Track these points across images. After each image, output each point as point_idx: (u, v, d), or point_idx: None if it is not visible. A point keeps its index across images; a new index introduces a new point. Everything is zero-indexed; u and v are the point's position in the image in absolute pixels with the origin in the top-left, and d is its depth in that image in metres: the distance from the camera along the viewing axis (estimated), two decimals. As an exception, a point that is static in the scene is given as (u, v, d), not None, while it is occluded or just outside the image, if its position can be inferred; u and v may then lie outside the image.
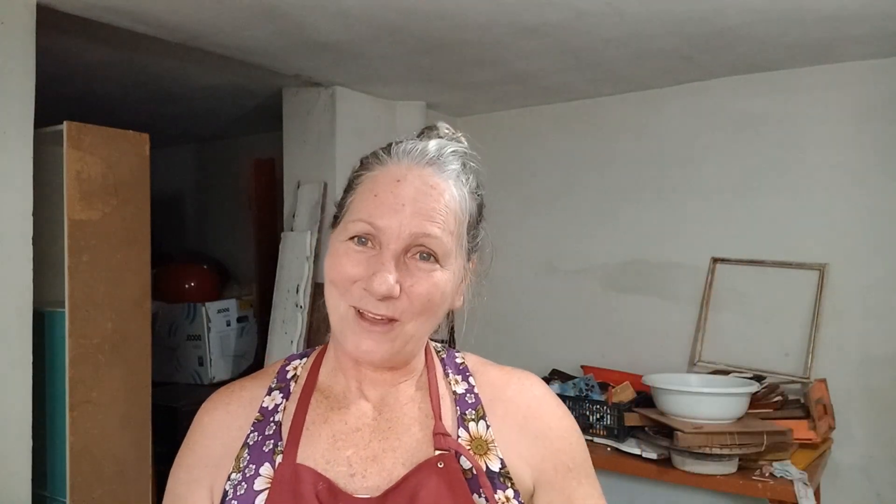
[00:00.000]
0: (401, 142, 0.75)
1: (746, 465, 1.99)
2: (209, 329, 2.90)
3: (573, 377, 2.63)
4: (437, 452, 0.71)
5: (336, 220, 0.77)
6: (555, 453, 0.77)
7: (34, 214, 1.83)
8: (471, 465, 0.71)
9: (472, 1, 1.86)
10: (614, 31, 2.07)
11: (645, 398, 2.28)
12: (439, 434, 0.72)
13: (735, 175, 2.58)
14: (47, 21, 1.86)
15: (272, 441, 0.72)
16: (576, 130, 2.95)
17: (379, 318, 0.69)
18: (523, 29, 2.07)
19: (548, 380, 2.67)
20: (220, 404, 0.78)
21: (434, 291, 0.70)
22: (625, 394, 2.30)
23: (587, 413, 2.28)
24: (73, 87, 2.80)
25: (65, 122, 1.93)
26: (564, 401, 2.36)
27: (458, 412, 0.76)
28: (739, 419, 2.04)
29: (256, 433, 0.74)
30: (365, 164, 0.76)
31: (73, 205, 1.97)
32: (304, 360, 0.81)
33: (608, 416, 2.24)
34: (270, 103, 2.97)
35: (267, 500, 0.67)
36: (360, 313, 0.70)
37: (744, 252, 2.55)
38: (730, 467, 1.97)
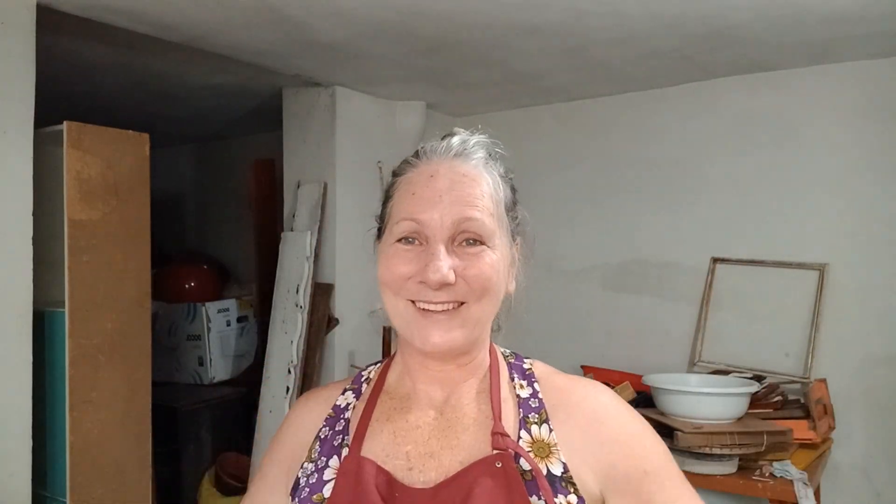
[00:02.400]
0: (426, 145, 0.80)
1: (746, 465, 1.99)
2: (209, 329, 2.90)
3: (573, 377, 2.63)
4: (495, 452, 0.71)
5: (380, 231, 0.81)
6: (626, 458, 0.74)
7: (34, 214, 1.83)
8: (530, 468, 0.70)
9: (472, 1, 1.86)
10: (614, 31, 2.07)
11: (645, 398, 2.28)
12: (497, 434, 0.73)
13: (735, 175, 2.58)
14: (47, 21, 1.86)
15: (341, 436, 0.78)
16: (576, 130, 2.95)
17: (440, 308, 0.72)
18: (523, 29, 2.07)
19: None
20: (306, 402, 0.85)
21: (489, 270, 0.73)
22: (625, 394, 2.30)
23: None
24: (73, 87, 2.80)
25: (65, 122, 1.93)
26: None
27: (521, 415, 0.76)
28: (739, 419, 2.04)
29: (327, 427, 0.80)
30: (397, 172, 0.80)
31: (73, 205, 1.97)
32: (379, 365, 0.87)
33: (608, 416, 2.23)
34: (270, 103, 2.97)
35: (333, 488, 0.73)
36: (419, 309, 0.73)
37: (744, 252, 2.55)
38: (730, 467, 1.97)
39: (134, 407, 2.07)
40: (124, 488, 2.03)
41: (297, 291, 2.59)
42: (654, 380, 2.19)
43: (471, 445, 0.74)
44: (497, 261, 0.74)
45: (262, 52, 2.28)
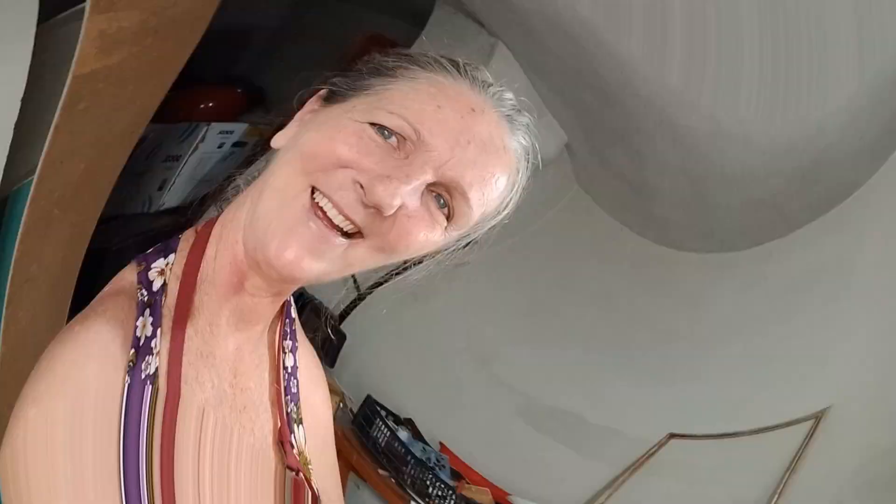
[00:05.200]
0: (474, 66, 0.59)
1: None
2: (196, 148, 2.60)
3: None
4: (291, 473, 0.60)
5: (337, 95, 0.59)
6: (334, 466, 0.72)
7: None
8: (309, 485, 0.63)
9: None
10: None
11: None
12: (286, 443, 0.61)
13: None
14: None
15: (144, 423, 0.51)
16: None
17: (337, 222, 0.54)
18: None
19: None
20: (98, 344, 0.50)
21: (422, 245, 0.57)
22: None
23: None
24: None
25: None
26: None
27: (288, 407, 0.64)
28: None
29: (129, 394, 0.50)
30: (416, 60, 0.59)
31: (85, 61, 1.61)
32: (172, 257, 0.58)
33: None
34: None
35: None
36: (312, 205, 0.53)
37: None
38: None
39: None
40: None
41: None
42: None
43: (259, 444, 0.60)
44: (436, 243, 0.59)
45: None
